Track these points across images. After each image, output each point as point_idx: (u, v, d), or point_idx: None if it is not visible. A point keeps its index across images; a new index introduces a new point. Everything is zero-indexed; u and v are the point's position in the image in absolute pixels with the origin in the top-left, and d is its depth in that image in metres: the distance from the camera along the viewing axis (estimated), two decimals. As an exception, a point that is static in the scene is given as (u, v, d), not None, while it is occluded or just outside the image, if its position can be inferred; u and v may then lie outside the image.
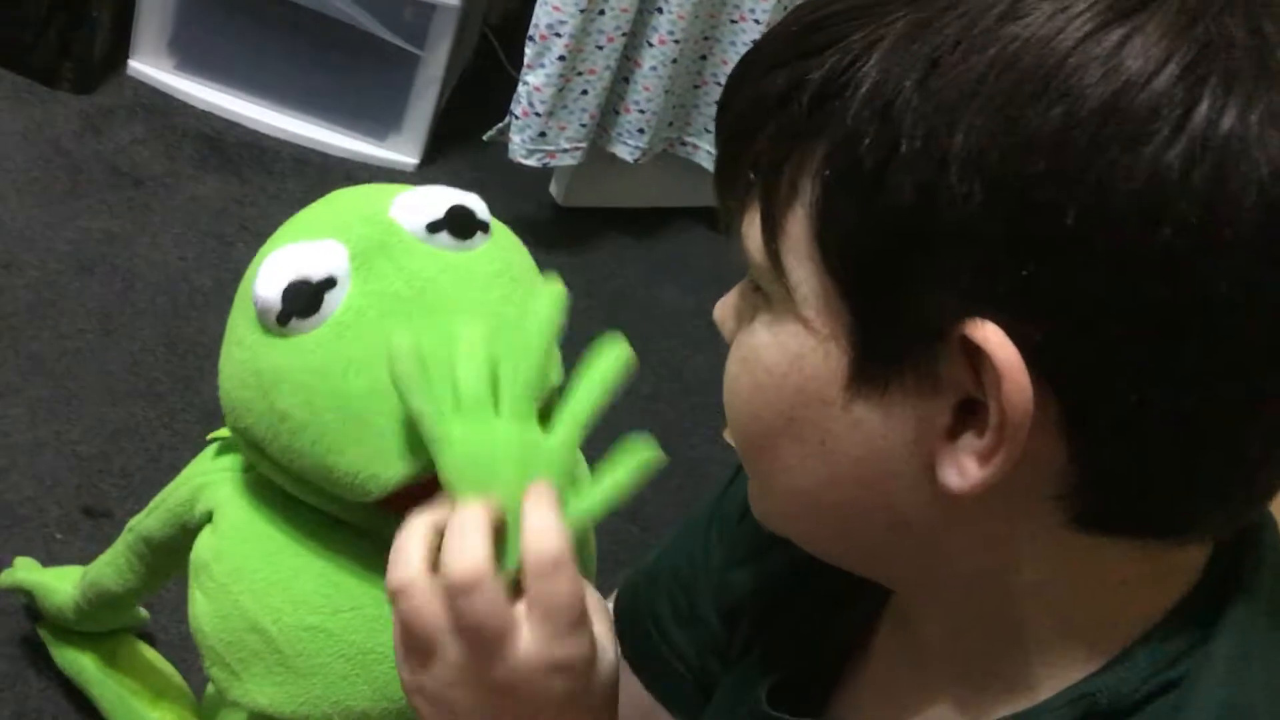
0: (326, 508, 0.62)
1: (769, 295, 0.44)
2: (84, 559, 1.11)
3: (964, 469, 0.40)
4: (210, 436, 0.71)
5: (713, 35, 1.64)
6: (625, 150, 1.66)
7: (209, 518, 0.65)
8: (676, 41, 1.57)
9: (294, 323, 0.57)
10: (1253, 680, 0.43)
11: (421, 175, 1.68)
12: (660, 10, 1.56)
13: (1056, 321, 0.38)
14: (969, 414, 0.40)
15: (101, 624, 0.90)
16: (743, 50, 1.66)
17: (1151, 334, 0.37)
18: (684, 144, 1.75)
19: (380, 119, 1.67)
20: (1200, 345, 0.37)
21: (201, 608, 0.63)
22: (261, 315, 0.59)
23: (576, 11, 1.48)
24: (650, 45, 1.57)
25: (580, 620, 0.50)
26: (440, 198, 0.62)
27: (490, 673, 0.50)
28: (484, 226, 0.62)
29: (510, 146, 1.57)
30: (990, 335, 0.38)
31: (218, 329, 1.35)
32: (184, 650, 1.04)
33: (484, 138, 1.58)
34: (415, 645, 0.52)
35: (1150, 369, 0.38)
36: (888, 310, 0.40)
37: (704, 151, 1.74)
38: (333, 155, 1.65)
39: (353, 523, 0.63)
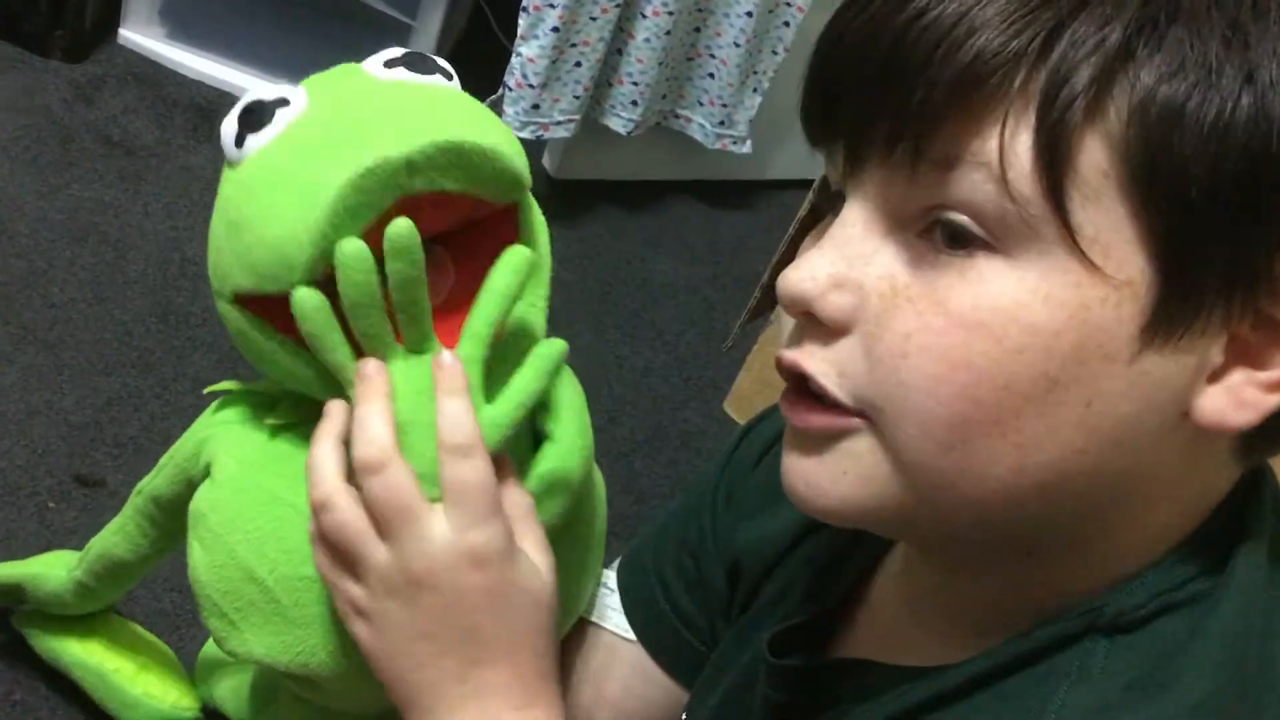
0: (298, 372, 0.61)
1: (1001, 241, 0.40)
2: (77, 528, 1.11)
3: (1249, 402, 0.40)
4: (208, 390, 0.71)
5: (706, 7, 1.63)
6: (619, 123, 1.65)
7: (208, 471, 0.66)
8: (670, 13, 1.57)
9: (249, 142, 0.58)
10: (1266, 614, 0.44)
11: (414, 146, 1.67)
12: (655, -19, 1.55)
13: None
14: (1233, 353, 0.40)
15: (105, 600, 0.89)
16: (738, 22, 1.66)
17: None
18: (677, 116, 1.75)
19: (373, 89, 1.66)
20: None
21: (199, 558, 0.63)
22: (226, 149, 0.60)
23: (570, -18, 1.48)
24: (644, 17, 1.57)
25: (492, 509, 0.53)
26: (400, 49, 0.63)
27: (410, 565, 0.52)
28: (446, 73, 0.63)
29: (503, 118, 1.56)
30: None
31: (210, 298, 1.35)
32: (176, 619, 1.04)
33: (477, 109, 1.57)
34: (343, 558, 0.54)
35: None
36: (1218, 246, 0.39)
37: (697, 124, 1.74)
38: (325, 125, 1.64)
39: (321, 393, 0.62)
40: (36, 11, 1.52)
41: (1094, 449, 0.41)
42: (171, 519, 0.73)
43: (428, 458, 0.54)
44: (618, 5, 1.52)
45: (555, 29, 1.49)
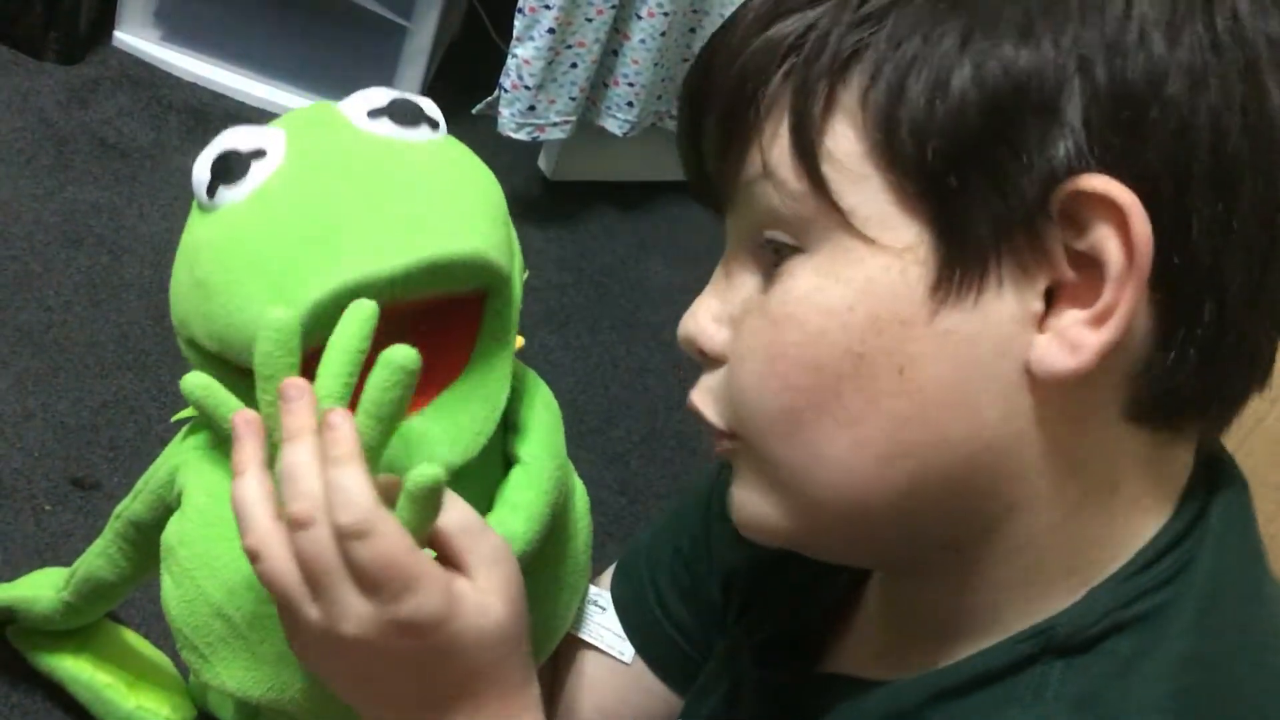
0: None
1: (802, 241, 0.43)
2: (73, 531, 1.11)
3: (1077, 342, 0.40)
4: (176, 418, 0.71)
5: (701, 8, 1.64)
6: (614, 124, 1.65)
7: (180, 499, 0.65)
8: (666, 14, 1.57)
9: (222, 192, 0.57)
10: (1220, 633, 0.44)
11: (409, 148, 1.67)
12: (649, -18, 1.56)
13: (1149, 170, 0.39)
14: (1057, 299, 0.41)
15: (95, 615, 0.89)
16: (732, 23, 1.65)
17: (1219, 191, 0.40)
18: (673, 118, 1.75)
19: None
20: (1251, 208, 0.40)
21: (169, 592, 0.63)
22: (196, 193, 0.59)
23: (565, -17, 1.48)
24: (639, 18, 1.57)
25: (410, 578, 0.49)
26: (387, 93, 0.62)
27: (341, 630, 0.50)
28: (433, 123, 0.61)
29: (499, 120, 1.56)
30: (1105, 183, 0.39)
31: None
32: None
33: (472, 111, 1.57)
34: (281, 605, 0.52)
35: (1219, 228, 0.40)
36: (977, 196, 0.40)
37: (693, 125, 1.74)
38: (320, 127, 1.64)
39: None
40: (31, 13, 1.52)
41: (925, 415, 0.42)
42: (151, 542, 0.72)
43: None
44: (613, 6, 1.53)
45: (551, 30, 1.49)
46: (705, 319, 0.47)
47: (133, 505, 0.73)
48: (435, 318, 0.58)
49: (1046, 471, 0.43)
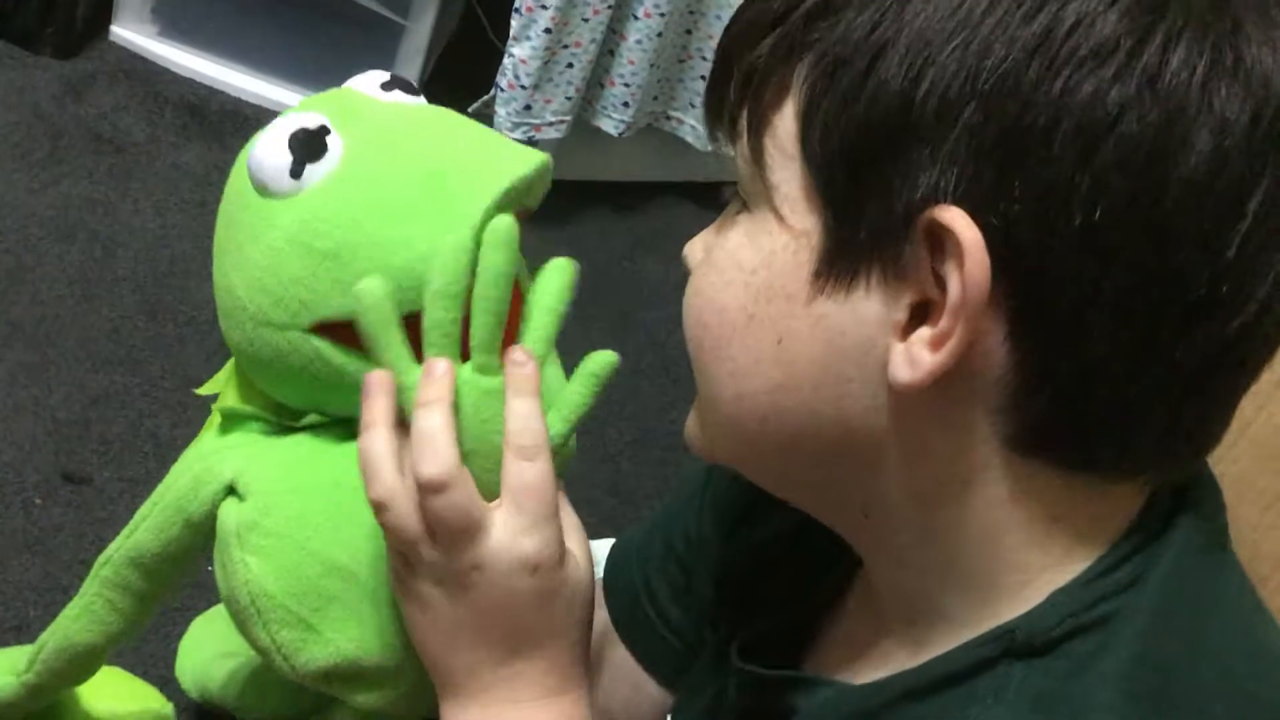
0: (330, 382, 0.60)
1: (749, 200, 0.47)
2: (63, 525, 1.11)
3: (915, 359, 0.42)
4: (202, 391, 0.68)
5: (698, 9, 1.64)
6: (610, 124, 1.65)
7: (224, 493, 0.62)
8: (662, 15, 1.57)
9: (308, 171, 0.57)
10: (1173, 637, 0.45)
11: (405, 146, 1.67)
12: (646, -17, 1.56)
13: (1012, 215, 0.40)
14: (924, 316, 0.43)
15: (59, 693, 0.80)
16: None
17: (1088, 252, 0.40)
18: (669, 118, 1.75)
19: (364, 88, 1.66)
20: (1129, 272, 0.40)
21: (259, 570, 0.60)
22: (273, 179, 0.58)
23: (562, -18, 1.48)
24: (636, 18, 1.57)
25: (550, 515, 0.53)
26: (379, 73, 0.64)
27: (461, 569, 0.53)
28: (416, 91, 0.65)
29: (495, 119, 1.56)
30: (955, 217, 0.41)
31: (199, 296, 1.35)
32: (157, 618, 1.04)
33: (468, 110, 1.57)
34: (400, 550, 0.54)
35: (1087, 284, 0.40)
36: (861, 202, 0.43)
37: (688, 126, 1.74)
38: (316, 124, 1.64)
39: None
40: (27, 8, 1.52)
41: (795, 386, 0.46)
42: (153, 581, 0.68)
43: (490, 462, 0.54)
44: (610, 6, 1.53)
45: (547, 30, 1.50)
46: (697, 243, 0.51)
47: (131, 540, 0.67)
48: None
49: (906, 470, 0.46)
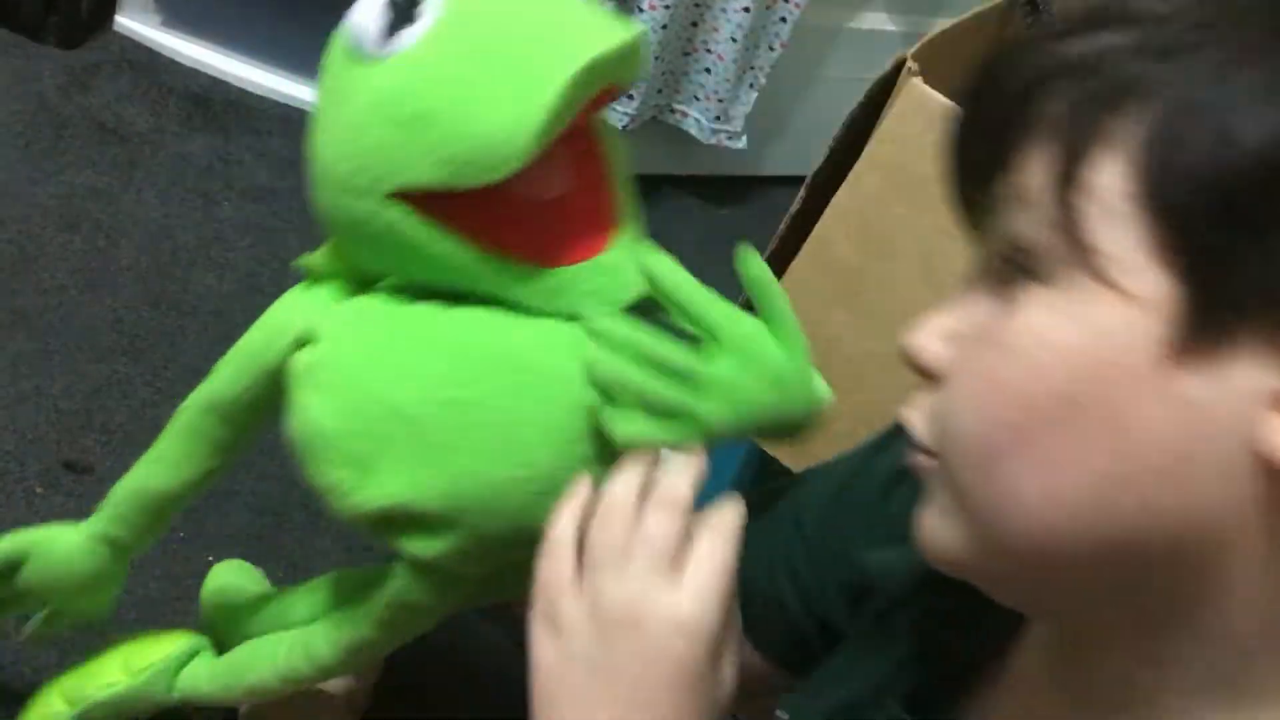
0: (451, 268, 0.60)
1: (1043, 271, 0.41)
2: (65, 514, 1.10)
3: None
4: (300, 262, 0.68)
5: (703, 2, 1.63)
6: (614, 116, 1.65)
7: (298, 345, 0.62)
8: (667, 7, 1.56)
9: (397, 36, 0.57)
10: None
11: (409, 137, 1.67)
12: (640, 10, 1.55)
13: None
14: None
15: (128, 555, 0.76)
16: (734, 17, 1.65)
17: None
18: (673, 111, 1.75)
19: (368, 80, 1.66)
20: None
21: (320, 407, 0.59)
22: (363, 42, 0.59)
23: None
24: (640, 10, 1.57)
25: (728, 595, 0.50)
26: None
27: (631, 603, 0.50)
28: None
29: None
30: None
31: (201, 286, 1.35)
32: (163, 606, 1.04)
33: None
34: (565, 566, 0.52)
35: None
36: (1236, 257, 0.38)
37: (692, 119, 1.74)
38: (320, 115, 1.64)
39: (474, 284, 0.61)
40: (32, -3, 1.52)
41: (1133, 479, 0.39)
42: (231, 428, 0.67)
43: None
44: (613, 1, 1.53)
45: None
46: (932, 335, 0.45)
47: (211, 384, 0.66)
48: (577, 153, 0.61)
49: (1261, 566, 0.40)
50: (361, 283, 0.64)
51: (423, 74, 0.57)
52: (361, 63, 0.59)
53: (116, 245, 1.36)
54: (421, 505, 0.59)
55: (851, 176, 1.01)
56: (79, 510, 1.10)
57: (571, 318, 0.59)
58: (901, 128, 0.98)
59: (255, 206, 1.47)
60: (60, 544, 0.74)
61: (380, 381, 0.59)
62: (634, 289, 0.60)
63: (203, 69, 1.62)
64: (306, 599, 0.75)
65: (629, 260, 0.61)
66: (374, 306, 0.62)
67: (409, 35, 0.57)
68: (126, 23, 1.62)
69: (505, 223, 0.59)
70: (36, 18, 1.54)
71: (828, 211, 1.05)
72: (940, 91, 0.98)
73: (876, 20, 1.88)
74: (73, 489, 1.12)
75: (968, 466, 0.43)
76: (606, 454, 0.57)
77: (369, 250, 0.61)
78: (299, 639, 0.71)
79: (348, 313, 0.62)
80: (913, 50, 1.00)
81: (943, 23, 1.09)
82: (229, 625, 0.78)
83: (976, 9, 1.11)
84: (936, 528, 0.45)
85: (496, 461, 0.58)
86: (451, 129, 0.55)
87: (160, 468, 0.70)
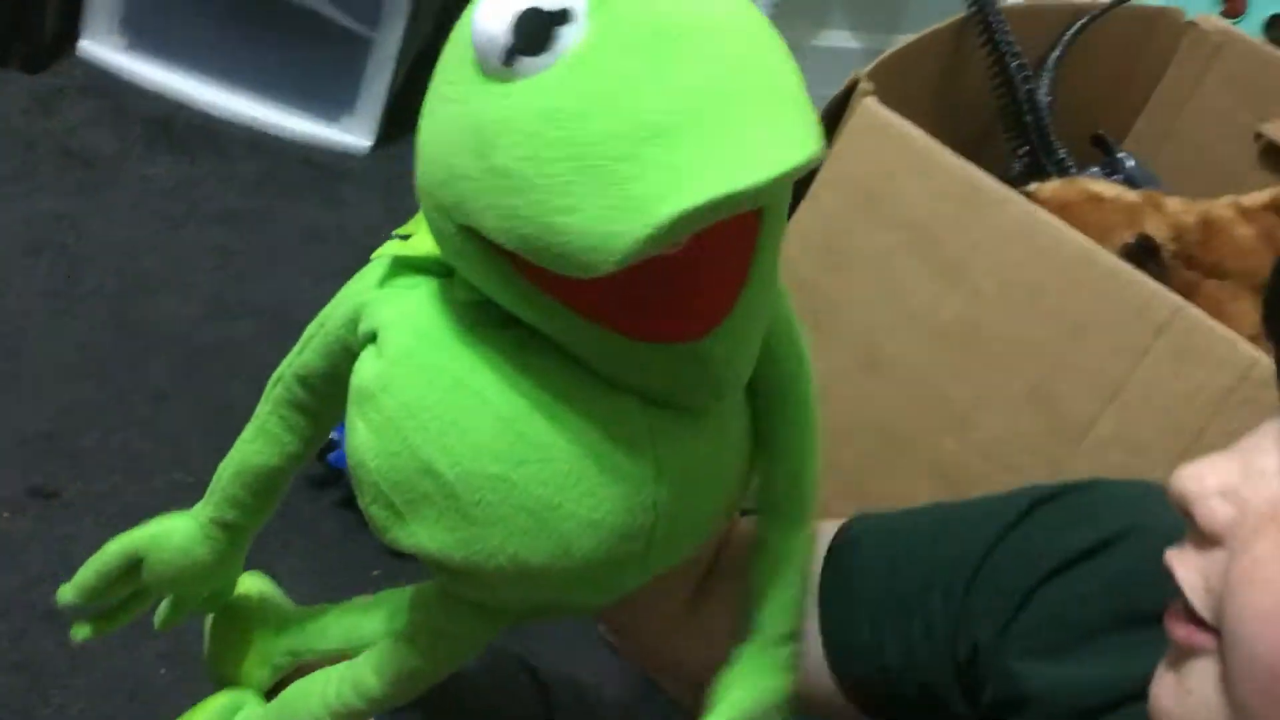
0: (526, 312, 0.53)
1: None
2: (33, 539, 1.11)
3: None
4: (376, 255, 0.64)
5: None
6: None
7: (372, 338, 0.57)
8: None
9: (521, 62, 0.48)
10: None
11: (375, 156, 1.68)
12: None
13: None
14: None
15: (247, 533, 0.71)
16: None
17: None
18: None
19: (333, 100, 1.67)
20: None
21: (365, 441, 0.56)
22: (482, 55, 0.49)
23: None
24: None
25: None
26: None
27: None
28: None
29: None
30: None
31: (167, 309, 1.35)
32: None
33: (437, 121, 1.58)
34: None
35: None
36: None
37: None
38: (285, 137, 1.65)
39: (551, 334, 0.54)
40: (-6, 22, 1.52)
41: None
42: (323, 400, 0.64)
43: None
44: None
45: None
46: (1211, 485, 0.40)
47: (300, 358, 0.63)
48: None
49: None
50: (438, 266, 0.58)
51: (522, 124, 0.47)
52: (474, 69, 0.50)
53: (82, 270, 1.36)
54: (450, 562, 0.56)
55: (810, 195, 1.02)
56: (47, 535, 1.10)
57: (652, 400, 0.53)
58: (857, 146, 1.00)
59: (221, 229, 1.48)
60: (175, 536, 0.70)
61: (423, 437, 0.54)
62: (733, 384, 0.53)
63: (167, 93, 1.62)
64: (344, 620, 0.72)
65: (735, 350, 0.52)
66: (444, 333, 0.56)
67: (529, 66, 0.48)
68: (91, 47, 1.62)
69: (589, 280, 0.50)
70: (0, 43, 1.54)
71: (789, 229, 1.06)
72: (895, 110, 0.99)
73: (839, 38, 1.91)
74: (41, 513, 1.12)
75: (1249, 684, 0.37)
76: (654, 554, 0.54)
77: (449, 256, 0.55)
78: (346, 674, 0.68)
79: (416, 333, 0.56)
80: (867, 70, 1.01)
81: (900, 39, 1.11)
82: (247, 643, 0.75)
83: (931, 28, 1.13)
84: (1190, 707, 0.40)
85: (533, 548, 0.53)
86: (528, 207, 0.47)
87: (261, 444, 0.66)
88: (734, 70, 0.47)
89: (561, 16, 0.47)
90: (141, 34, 1.63)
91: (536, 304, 0.52)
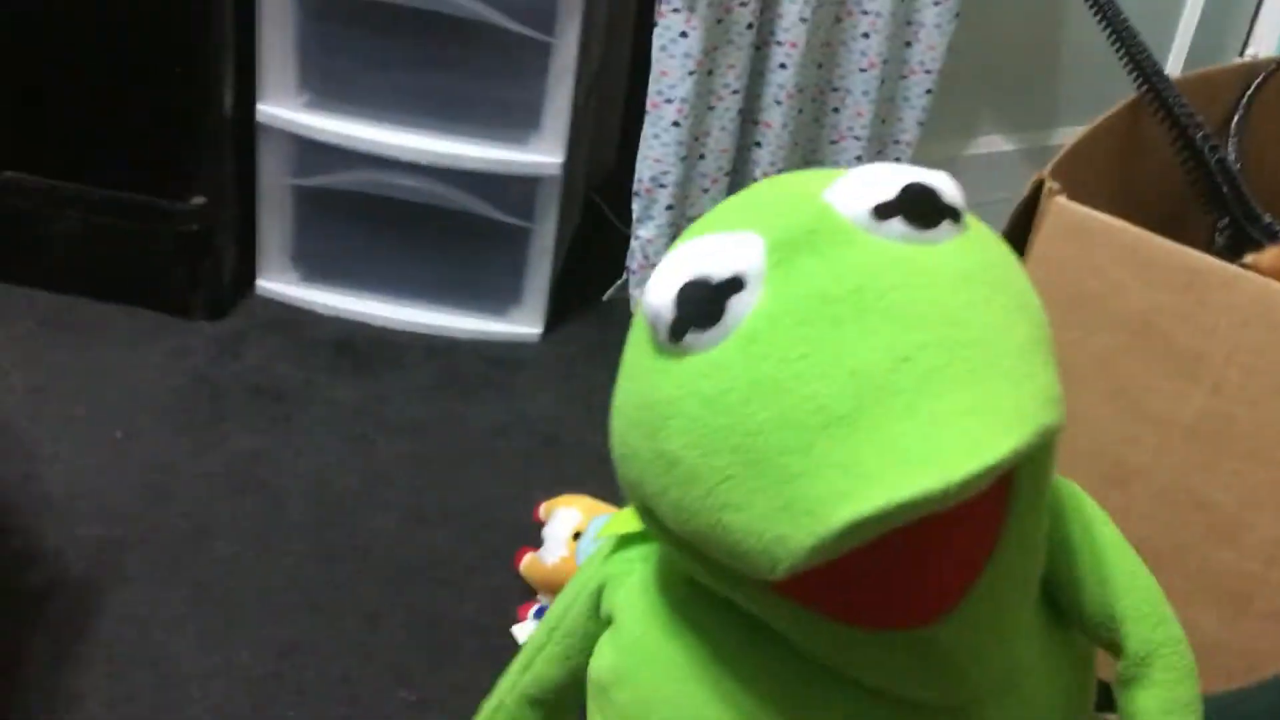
0: (740, 599, 0.48)
1: None
2: (267, 785, 1.09)
3: None
4: (600, 534, 0.59)
5: (816, 160, 1.63)
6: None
7: (609, 621, 0.54)
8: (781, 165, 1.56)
9: (690, 337, 0.43)
10: None
11: (546, 343, 1.68)
12: (759, 144, 1.55)
13: None
14: None
15: None
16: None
17: None
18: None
19: (500, 296, 1.69)
20: None
21: None
22: (652, 328, 0.45)
23: (678, 160, 1.48)
24: (761, 174, 1.56)
25: None
26: (892, 175, 0.45)
27: None
28: (953, 214, 0.45)
29: (631, 302, 1.56)
30: None
31: (367, 529, 1.35)
32: None
33: (604, 297, 1.57)
34: None
35: None
36: None
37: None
38: (460, 338, 1.66)
39: (776, 626, 0.48)
40: (175, 277, 1.59)
41: None
42: (552, 713, 0.60)
43: None
44: (726, 173, 1.52)
45: (669, 206, 1.50)
46: None
47: (528, 675, 0.61)
48: None
49: None
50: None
51: (686, 407, 0.43)
52: (649, 342, 0.46)
53: (283, 502, 1.37)
54: None
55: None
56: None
57: (891, 696, 0.46)
58: (1055, 250, 0.93)
59: (410, 439, 1.48)
60: None
61: None
62: (982, 679, 0.45)
63: (343, 315, 1.66)
64: None
65: (977, 637, 0.45)
66: (664, 610, 0.52)
67: (698, 341, 0.43)
68: (268, 285, 1.68)
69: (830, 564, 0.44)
70: (182, 295, 1.60)
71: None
72: (1085, 204, 0.93)
73: (991, 144, 1.85)
74: (272, 758, 1.10)
75: None
76: None
77: (650, 532, 0.50)
78: None
79: (640, 612, 0.52)
80: (1049, 168, 0.96)
81: (1071, 133, 1.05)
82: None
83: (1106, 114, 1.07)
84: None
85: None
86: (697, 496, 0.43)
87: (555, 667, 0.61)
88: (929, 340, 0.40)
89: (733, 285, 0.42)
90: (313, 265, 1.68)
91: (738, 586, 0.46)
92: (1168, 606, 0.52)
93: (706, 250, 0.44)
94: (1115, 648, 0.52)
